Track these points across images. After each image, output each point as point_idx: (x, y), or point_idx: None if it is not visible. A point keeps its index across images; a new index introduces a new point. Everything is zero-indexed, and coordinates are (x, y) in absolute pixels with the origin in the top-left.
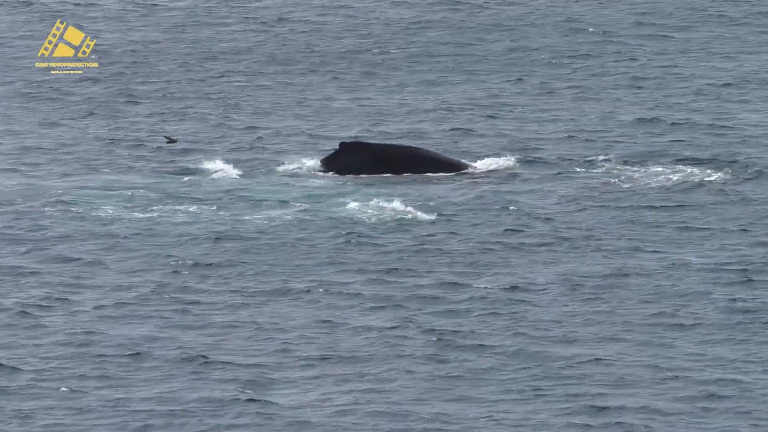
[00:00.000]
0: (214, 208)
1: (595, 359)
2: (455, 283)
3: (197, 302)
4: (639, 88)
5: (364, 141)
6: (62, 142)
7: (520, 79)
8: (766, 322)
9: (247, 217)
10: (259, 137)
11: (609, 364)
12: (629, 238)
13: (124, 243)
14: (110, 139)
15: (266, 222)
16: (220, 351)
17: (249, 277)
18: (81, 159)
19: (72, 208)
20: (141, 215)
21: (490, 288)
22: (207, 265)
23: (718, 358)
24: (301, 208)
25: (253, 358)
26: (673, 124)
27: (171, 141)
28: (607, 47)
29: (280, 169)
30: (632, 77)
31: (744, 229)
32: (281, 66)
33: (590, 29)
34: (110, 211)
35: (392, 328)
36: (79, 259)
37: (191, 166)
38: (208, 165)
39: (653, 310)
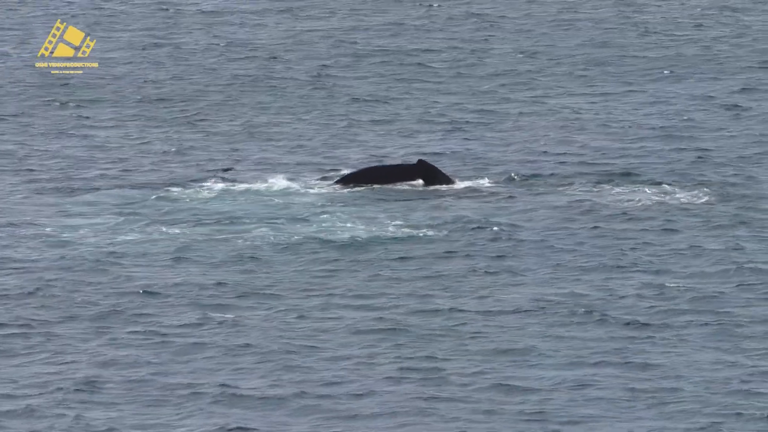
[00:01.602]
0: (193, 226)
1: (580, 384)
2: (435, 307)
3: (170, 324)
4: (618, 107)
5: (431, 163)
6: (55, 153)
7: (500, 96)
8: (747, 346)
9: (234, 237)
10: (247, 155)
11: (589, 388)
12: (611, 259)
13: (102, 261)
14: (97, 153)
15: (251, 240)
16: (186, 373)
17: (226, 297)
18: (63, 175)
19: (46, 229)
20: (135, 234)
21: (471, 310)
22: (174, 284)
23: (704, 380)
24: (288, 226)
25: (221, 377)
26: (652, 145)
27: (226, 170)
28: (584, 65)
29: (269, 186)
30: (612, 96)
31: (725, 249)
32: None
33: (569, 50)
34: (92, 230)
35: (370, 350)
36: (50, 282)
37: (184, 181)
38: (202, 182)
39: (634, 333)
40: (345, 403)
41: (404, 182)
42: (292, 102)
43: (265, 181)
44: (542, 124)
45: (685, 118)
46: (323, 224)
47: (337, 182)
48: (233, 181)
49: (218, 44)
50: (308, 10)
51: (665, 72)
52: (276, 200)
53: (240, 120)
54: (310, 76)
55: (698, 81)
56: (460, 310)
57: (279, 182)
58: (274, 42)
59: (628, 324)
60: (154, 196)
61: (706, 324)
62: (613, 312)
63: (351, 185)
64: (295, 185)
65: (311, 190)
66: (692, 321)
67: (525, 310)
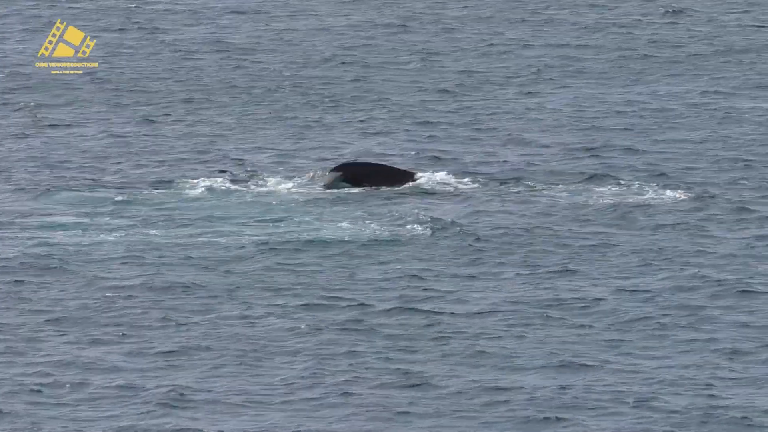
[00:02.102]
0: (168, 227)
1: (559, 387)
2: (415, 308)
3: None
4: (592, 107)
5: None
6: (39, 153)
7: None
8: (723, 348)
9: (209, 237)
10: (237, 155)
11: (569, 390)
12: (590, 260)
13: (72, 260)
14: (84, 152)
15: (228, 241)
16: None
17: (200, 299)
18: (35, 175)
19: (19, 229)
20: (107, 234)
21: (450, 312)
22: (142, 286)
23: (682, 383)
24: (264, 226)
25: (193, 378)
26: (627, 144)
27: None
28: (556, 65)
29: (246, 186)
30: (585, 95)
31: (703, 251)
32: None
33: (537, 54)
34: (65, 230)
35: (347, 351)
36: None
37: (159, 182)
38: (177, 182)
39: (613, 335)
40: (321, 404)
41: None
42: (264, 102)
43: (243, 181)
44: (516, 124)
45: (658, 118)
46: (300, 225)
47: (334, 170)
48: (210, 180)
49: (192, 44)
50: (280, 10)
51: (638, 71)
52: (253, 200)
53: (213, 120)
54: (282, 76)
55: (670, 80)
56: (440, 312)
57: (256, 182)
58: (246, 42)
59: (607, 326)
60: (128, 197)
61: (684, 327)
62: (592, 314)
63: (347, 177)
64: (271, 185)
65: (288, 190)
66: (671, 323)
67: (503, 312)
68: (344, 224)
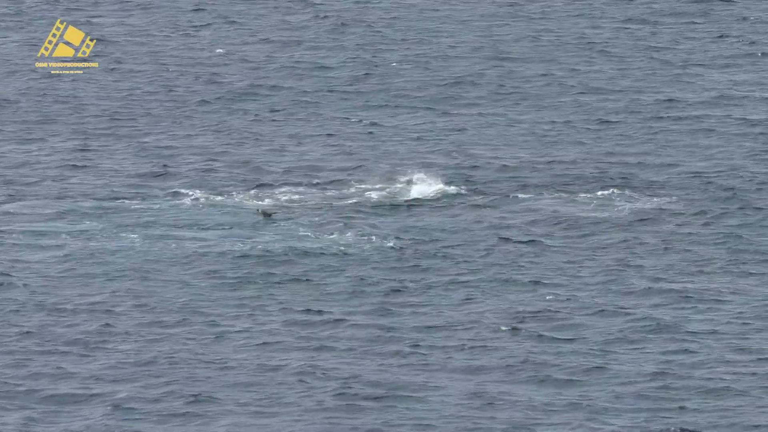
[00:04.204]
0: (136, 238)
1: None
2: (391, 324)
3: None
4: (546, 118)
5: None
6: (32, 159)
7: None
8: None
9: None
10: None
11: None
12: (561, 270)
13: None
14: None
15: (203, 253)
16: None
17: (168, 311)
18: (34, 182)
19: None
20: (82, 241)
21: (420, 325)
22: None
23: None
24: (220, 236)
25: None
26: (585, 155)
27: (267, 215)
28: (534, 71)
29: (208, 199)
30: (541, 108)
31: (652, 266)
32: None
33: (516, 60)
34: (56, 236)
35: (310, 364)
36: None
37: (151, 192)
38: (172, 191)
39: (584, 344)
40: (289, 420)
41: None
42: (218, 116)
43: (207, 195)
44: (484, 135)
45: (616, 130)
46: (266, 237)
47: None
48: (172, 194)
49: (154, 61)
50: (241, 22)
51: (596, 83)
52: (219, 213)
53: (172, 134)
54: (236, 90)
55: (626, 91)
56: (409, 328)
57: (213, 196)
58: (202, 57)
59: (579, 336)
60: (76, 210)
61: (636, 341)
62: (547, 326)
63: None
64: (230, 199)
65: (254, 203)
66: (618, 338)
67: (471, 324)
68: (318, 237)
